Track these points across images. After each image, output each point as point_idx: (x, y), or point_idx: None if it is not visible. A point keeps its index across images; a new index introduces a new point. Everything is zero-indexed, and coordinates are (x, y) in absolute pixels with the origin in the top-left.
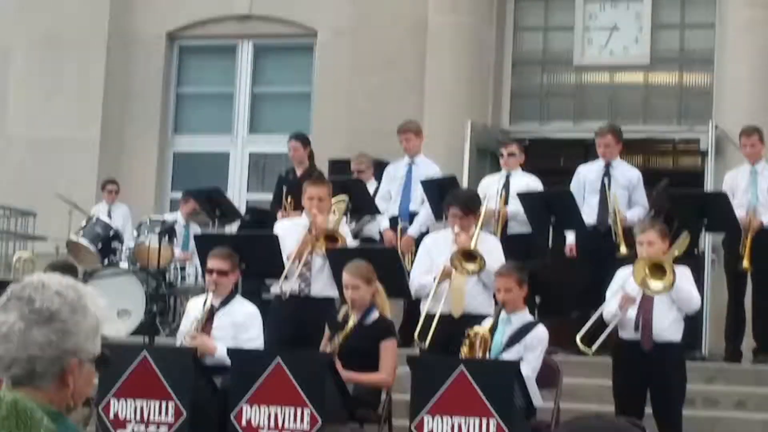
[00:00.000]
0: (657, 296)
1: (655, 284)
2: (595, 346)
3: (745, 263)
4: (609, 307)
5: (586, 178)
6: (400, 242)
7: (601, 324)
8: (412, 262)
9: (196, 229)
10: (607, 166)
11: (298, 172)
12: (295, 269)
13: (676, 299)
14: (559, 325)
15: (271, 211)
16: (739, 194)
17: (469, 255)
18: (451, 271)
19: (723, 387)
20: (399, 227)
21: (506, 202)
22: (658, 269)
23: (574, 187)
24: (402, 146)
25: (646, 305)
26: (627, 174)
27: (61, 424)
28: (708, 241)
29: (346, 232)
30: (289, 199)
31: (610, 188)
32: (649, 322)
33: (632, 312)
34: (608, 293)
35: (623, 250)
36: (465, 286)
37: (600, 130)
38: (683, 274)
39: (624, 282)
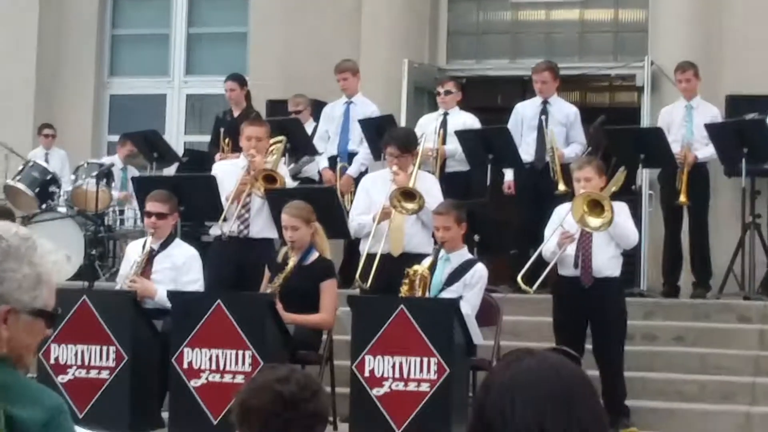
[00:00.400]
0: (595, 233)
1: (594, 221)
2: (535, 285)
3: (682, 198)
4: (548, 245)
5: (523, 115)
6: (340, 182)
7: (540, 262)
8: (352, 202)
9: (133, 171)
10: (545, 103)
11: (236, 113)
12: (234, 210)
13: (614, 235)
14: (498, 262)
15: (209, 153)
16: (674, 130)
17: (407, 194)
18: (390, 211)
19: (661, 322)
20: (338, 167)
21: (444, 141)
22: (596, 206)
23: (512, 124)
24: (339, 86)
25: (584, 242)
26: (564, 110)
27: None
28: (645, 177)
29: (284, 172)
30: (226, 141)
31: (547, 125)
32: (588, 259)
33: (571, 249)
34: (547, 231)
35: (561, 187)
36: (404, 225)
37: (537, 66)
38: (621, 211)
39: (562, 219)
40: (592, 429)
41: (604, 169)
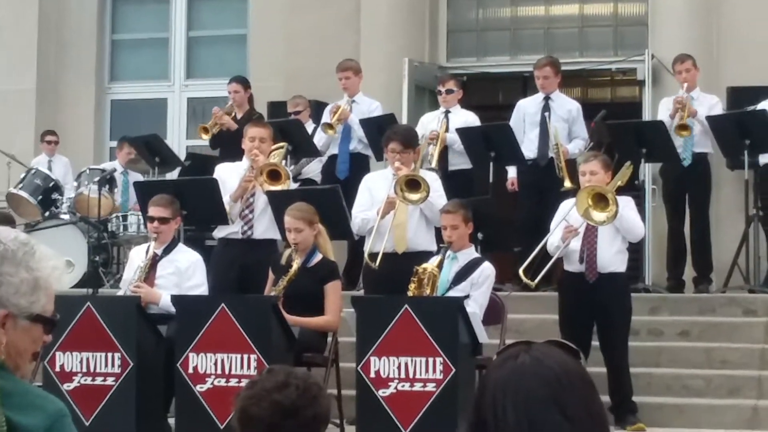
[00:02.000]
0: (601, 227)
1: (598, 215)
2: (537, 279)
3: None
4: (552, 239)
5: (525, 111)
6: None
7: (544, 257)
8: None
9: (135, 176)
10: (546, 99)
11: (238, 116)
12: (237, 210)
13: (620, 228)
14: (502, 260)
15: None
16: (676, 121)
17: (412, 184)
18: (395, 201)
19: (667, 317)
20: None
21: (445, 139)
22: (601, 200)
23: (514, 121)
24: (341, 85)
25: (590, 237)
26: (566, 106)
27: None
28: (648, 171)
29: (288, 171)
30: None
31: (550, 121)
32: (593, 254)
33: (576, 244)
34: (552, 225)
35: (567, 183)
36: (408, 221)
37: (538, 62)
38: (626, 204)
39: (567, 213)
40: (586, 426)
41: (610, 163)
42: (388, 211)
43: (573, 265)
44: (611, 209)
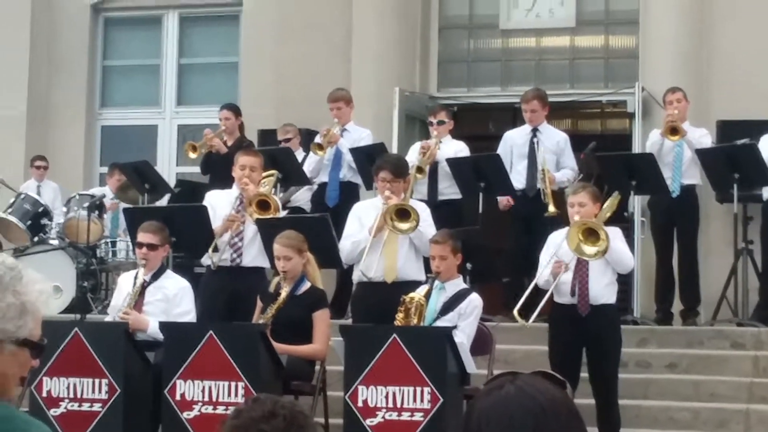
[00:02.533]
0: (591, 260)
1: (590, 249)
2: (531, 319)
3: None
4: (543, 274)
5: (513, 143)
6: None
7: (534, 292)
8: None
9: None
10: (534, 130)
11: (229, 143)
12: (226, 239)
13: (610, 261)
14: (491, 290)
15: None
16: (665, 153)
17: (401, 213)
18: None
19: (655, 349)
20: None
21: (436, 169)
22: (591, 234)
23: (502, 152)
24: (332, 115)
25: (581, 270)
26: (554, 137)
27: None
28: (637, 203)
29: (277, 201)
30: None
31: (539, 148)
32: (585, 287)
33: (567, 276)
34: (542, 258)
35: (552, 209)
36: (398, 251)
37: (525, 95)
38: (615, 235)
39: (558, 247)
40: None
41: (599, 194)
42: (380, 231)
43: (564, 297)
44: (602, 243)
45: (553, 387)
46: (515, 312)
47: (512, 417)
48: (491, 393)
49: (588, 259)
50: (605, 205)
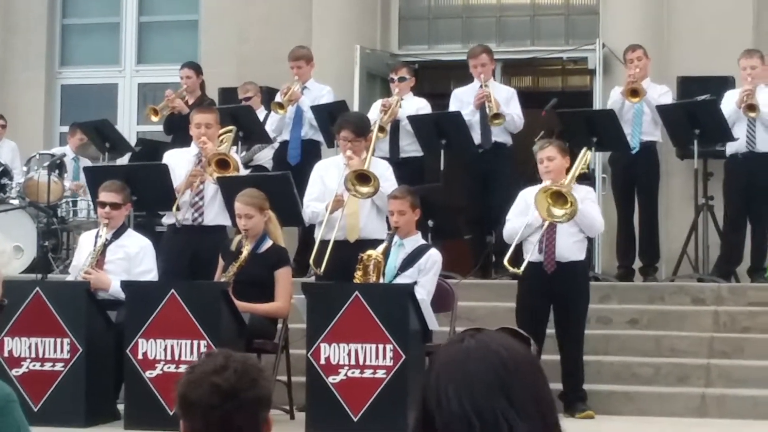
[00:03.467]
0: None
1: (558, 211)
2: (523, 266)
3: None
4: (507, 228)
5: (462, 100)
6: None
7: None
8: None
9: (86, 161)
10: (482, 87)
11: (190, 102)
12: (187, 199)
13: (580, 224)
14: (452, 247)
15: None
16: (625, 110)
17: (362, 177)
18: (342, 200)
19: (616, 305)
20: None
21: (398, 126)
22: (560, 196)
23: (453, 109)
24: (293, 74)
25: (549, 228)
26: (503, 93)
27: None
28: (598, 160)
29: (236, 160)
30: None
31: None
32: (552, 245)
33: (535, 236)
34: (510, 214)
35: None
36: (360, 211)
37: (472, 51)
38: (586, 196)
39: (527, 205)
40: (531, 412)
41: (566, 148)
42: (336, 208)
43: (533, 255)
44: (571, 207)
45: (516, 342)
46: (505, 262)
47: (474, 372)
48: (450, 347)
49: (557, 221)
50: (577, 162)
